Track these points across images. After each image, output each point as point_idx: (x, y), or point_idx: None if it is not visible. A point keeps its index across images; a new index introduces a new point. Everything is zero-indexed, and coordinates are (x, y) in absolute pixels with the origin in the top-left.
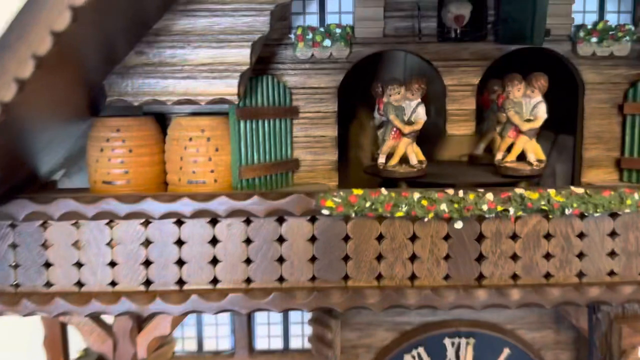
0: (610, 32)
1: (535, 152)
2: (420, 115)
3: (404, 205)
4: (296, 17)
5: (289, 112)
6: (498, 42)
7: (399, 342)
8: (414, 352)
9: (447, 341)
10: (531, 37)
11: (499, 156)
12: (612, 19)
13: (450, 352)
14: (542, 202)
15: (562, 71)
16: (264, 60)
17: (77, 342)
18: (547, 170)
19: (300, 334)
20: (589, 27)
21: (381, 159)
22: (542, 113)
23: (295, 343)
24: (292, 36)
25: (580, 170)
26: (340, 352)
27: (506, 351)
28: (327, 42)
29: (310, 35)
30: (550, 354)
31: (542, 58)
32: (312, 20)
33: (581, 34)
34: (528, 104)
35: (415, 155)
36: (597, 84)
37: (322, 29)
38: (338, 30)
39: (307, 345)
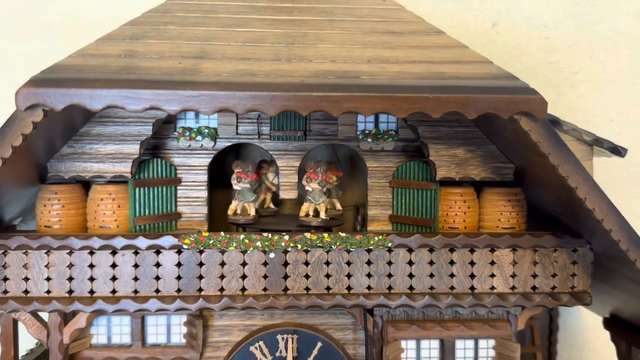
0: (379, 136)
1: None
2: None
3: (234, 243)
4: (179, 120)
5: (173, 181)
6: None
7: (247, 338)
8: (256, 344)
9: (279, 337)
10: None
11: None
12: (384, 126)
13: (282, 345)
14: (318, 241)
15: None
16: (157, 147)
17: (24, 340)
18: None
19: (179, 332)
20: (366, 131)
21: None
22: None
23: (175, 339)
24: (176, 132)
25: (367, 223)
26: (207, 347)
27: (319, 344)
28: (199, 138)
29: (187, 133)
30: (350, 348)
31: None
32: (191, 122)
33: (361, 136)
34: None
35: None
36: (375, 168)
37: (195, 129)
38: (206, 130)
39: (183, 340)
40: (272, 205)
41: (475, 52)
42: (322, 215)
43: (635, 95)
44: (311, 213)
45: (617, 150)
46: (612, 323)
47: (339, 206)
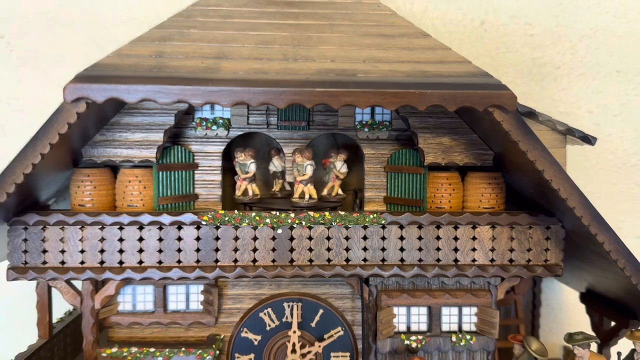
0: (374, 126)
1: (311, 193)
2: (251, 168)
3: (246, 219)
4: (197, 112)
5: (191, 166)
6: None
7: (257, 305)
8: (265, 311)
9: (285, 304)
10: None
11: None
12: (379, 117)
13: (287, 311)
14: (320, 219)
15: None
16: (177, 135)
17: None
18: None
19: (197, 300)
20: (363, 122)
21: (237, 193)
22: (309, 171)
23: (193, 305)
24: (194, 123)
25: (363, 204)
26: (222, 313)
27: (321, 311)
28: (214, 127)
29: (204, 123)
30: (349, 314)
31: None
32: (207, 113)
33: (358, 126)
34: (301, 165)
35: (253, 190)
36: (371, 155)
37: (211, 119)
38: (221, 121)
39: (200, 307)
40: (340, 192)
41: (456, 53)
42: (311, 196)
43: (612, 89)
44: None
45: (588, 139)
46: (587, 297)
47: (315, 195)
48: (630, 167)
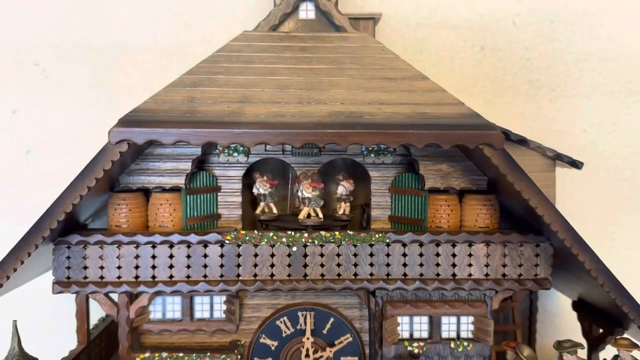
0: (380, 152)
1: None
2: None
3: (265, 239)
4: None
5: (215, 189)
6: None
7: (274, 314)
8: (281, 319)
9: (299, 313)
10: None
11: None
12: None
13: (301, 319)
14: (331, 238)
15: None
16: (202, 161)
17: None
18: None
19: (220, 309)
20: (370, 148)
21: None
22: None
23: (216, 314)
24: (217, 150)
25: (370, 222)
26: (242, 321)
27: (332, 319)
28: (235, 154)
29: (227, 150)
30: (357, 322)
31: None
32: None
33: (365, 152)
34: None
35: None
36: (377, 177)
37: (233, 147)
38: (241, 148)
39: (223, 315)
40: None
41: (451, 95)
42: (319, 215)
43: (605, 109)
44: (312, 214)
45: (575, 164)
46: (578, 305)
47: (320, 214)
48: (621, 182)
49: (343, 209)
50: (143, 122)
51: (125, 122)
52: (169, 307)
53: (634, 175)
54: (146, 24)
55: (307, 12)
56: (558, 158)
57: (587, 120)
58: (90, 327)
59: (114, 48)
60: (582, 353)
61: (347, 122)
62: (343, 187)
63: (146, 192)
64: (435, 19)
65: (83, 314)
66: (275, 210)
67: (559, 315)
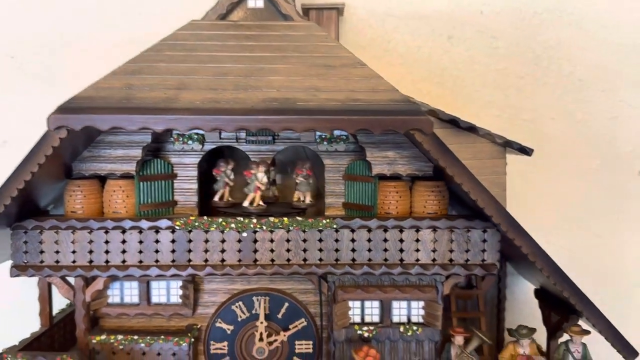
0: (332, 140)
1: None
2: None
3: (214, 225)
4: None
5: (170, 176)
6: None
7: (230, 299)
8: (237, 304)
9: (254, 298)
10: None
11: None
12: (337, 132)
13: (256, 304)
14: (279, 224)
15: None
16: (158, 149)
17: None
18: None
19: (176, 294)
20: (323, 136)
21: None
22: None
23: (173, 299)
24: (172, 138)
25: (325, 209)
26: (198, 305)
27: (286, 304)
28: (190, 142)
29: (181, 138)
30: (312, 307)
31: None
32: None
33: (318, 140)
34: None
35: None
36: (330, 165)
37: (187, 135)
38: (196, 136)
39: (179, 300)
40: (261, 203)
41: (387, 82)
42: (308, 200)
43: (574, 96)
44: (302, 199)
45: (525, 150)
46: (539, 293)
47: (309, 198)
48: (592, 170)
49: (304, 196)
50: (80, 108)
51: (64, 109)
52: (127, 292)
53: (602, 165)
54: (115, 17)
55: (255, 1)
56: (507, 145)
57: (556, 109)
58: (57, 311)
59: (88, 40)
60: (542, 340)
61: (280, 108)
62: (299, 175)
63: (102, 179)
64: (403, 8)
65: (45, 297)
66: (231, 198)
67: (527, 303)
